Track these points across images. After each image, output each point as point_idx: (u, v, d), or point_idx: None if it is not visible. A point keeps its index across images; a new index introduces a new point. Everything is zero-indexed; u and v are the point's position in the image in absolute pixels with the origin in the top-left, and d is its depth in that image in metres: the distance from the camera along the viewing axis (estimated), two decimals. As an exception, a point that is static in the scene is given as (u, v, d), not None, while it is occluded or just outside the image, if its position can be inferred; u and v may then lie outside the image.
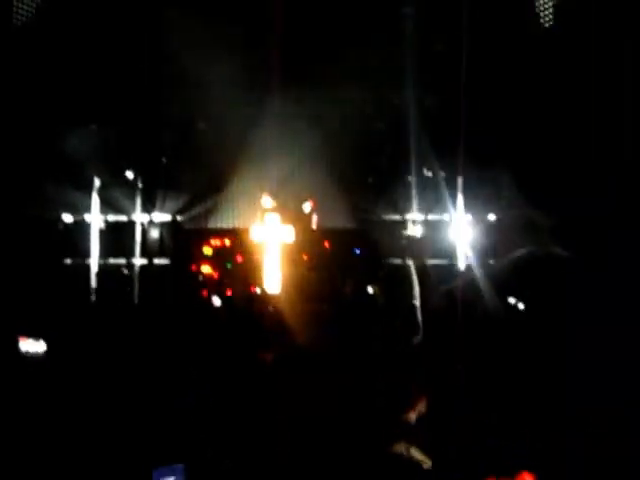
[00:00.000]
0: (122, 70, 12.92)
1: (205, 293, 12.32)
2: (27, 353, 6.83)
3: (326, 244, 12.70)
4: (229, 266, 12.91)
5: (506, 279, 11.46)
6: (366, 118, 13.72)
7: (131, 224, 13.55)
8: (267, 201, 12.86)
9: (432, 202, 13.29)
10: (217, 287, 12.33)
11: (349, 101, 13.36)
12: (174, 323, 7.95)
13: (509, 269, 11.92)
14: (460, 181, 12.83)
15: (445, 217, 13.27)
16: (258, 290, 12.09)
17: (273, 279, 12.37)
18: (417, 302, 9.10)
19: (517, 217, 12.72)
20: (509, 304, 10.58)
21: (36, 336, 7.07)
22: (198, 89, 13.09)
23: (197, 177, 13.72)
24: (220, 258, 12.98)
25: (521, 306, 10.58)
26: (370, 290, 10.46)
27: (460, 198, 12.88)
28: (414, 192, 13.24)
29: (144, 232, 13.61)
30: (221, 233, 13.36)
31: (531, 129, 12.51)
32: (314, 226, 12.99)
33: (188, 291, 12.38)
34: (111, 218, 13.53)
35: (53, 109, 12.81)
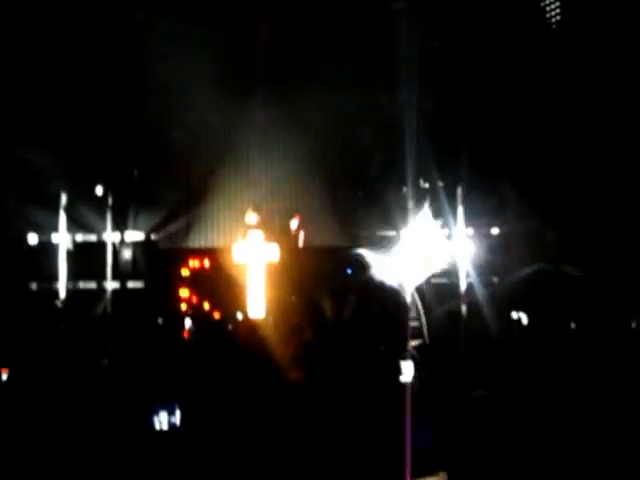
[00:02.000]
0: (91, 80, 12.02)
1: (183, 318, 11.29)
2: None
3: (314, 263, 11.59)
4: (209, 289, 11.84)
5: (512, 296, 10.68)
6: (356, 127, 12.77)
7: (101, 244, 12.40)
8: (251, 217, 11.78)
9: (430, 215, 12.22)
10: (196, 312, 11.27)
11: (337, 110, 12.41)
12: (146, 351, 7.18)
13: (514, 286, 11.11)
14: (460, 192, 11.87)
15: (443, 232, 12.25)
16: (241, 315, 11.02)
17: (257, 303, 11.28)
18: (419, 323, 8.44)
19: (522, 230, 11.85)
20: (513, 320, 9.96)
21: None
22: (175, 98, 12.15)
23: (174, 192, 12.67)
24: (199, 280, 11.90)
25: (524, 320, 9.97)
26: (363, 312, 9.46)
27: (460, 211, 11.92)
28: (410, 205, 12.20)
29: (115, 252, 12.45)
30: (200, 253, 12.26)
31: (535, 136, 11.67)
32: (301, 244, 11.96)
33: (163, 317, 11.31)
34: (79, 238, 12.41)
35: (16, 120, 11.88)
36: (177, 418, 5.33)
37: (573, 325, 9.07)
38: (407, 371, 5.07)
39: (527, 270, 11.22)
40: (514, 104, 11.74)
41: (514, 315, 10.12)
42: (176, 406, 5.39)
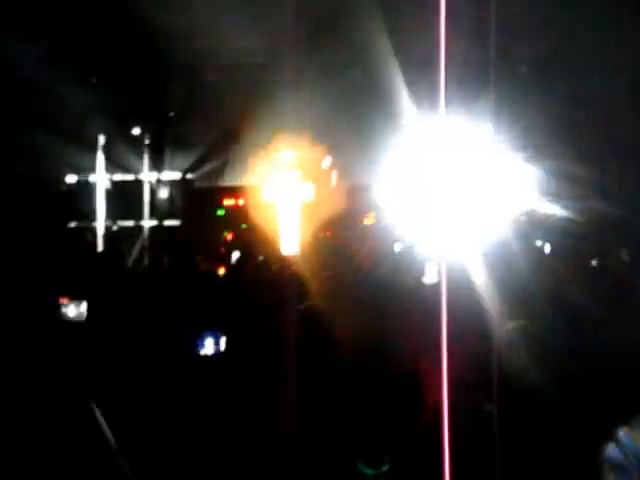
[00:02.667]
0: (125, 19, 12.05)
1: (218, 256, 11.51)
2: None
3: (347, 203, 11.73)
4: (244, 227, 12.04)
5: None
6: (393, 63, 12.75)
7: (138, 183, 12.66)
8: (285, 156, 11.94)
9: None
10: (231, 249, 11.48)
11: (371, 47, 12.38)
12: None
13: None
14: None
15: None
16: (274, 253, 11.22)
17: (291, 241, 11.49)
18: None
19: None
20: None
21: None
22: (207, 38, 12.20)
23: (209, 131, 12.80)
24: (234, 218, 12.11)
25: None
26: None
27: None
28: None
29: (152, 192, 12.72)
30: (235, 191, 12.45)
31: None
32: (334, 183, 12.09)
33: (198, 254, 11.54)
34: (117, 177, 12.66)
35: (52, 61, 11.99)
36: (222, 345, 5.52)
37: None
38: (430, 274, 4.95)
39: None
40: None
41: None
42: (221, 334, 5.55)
